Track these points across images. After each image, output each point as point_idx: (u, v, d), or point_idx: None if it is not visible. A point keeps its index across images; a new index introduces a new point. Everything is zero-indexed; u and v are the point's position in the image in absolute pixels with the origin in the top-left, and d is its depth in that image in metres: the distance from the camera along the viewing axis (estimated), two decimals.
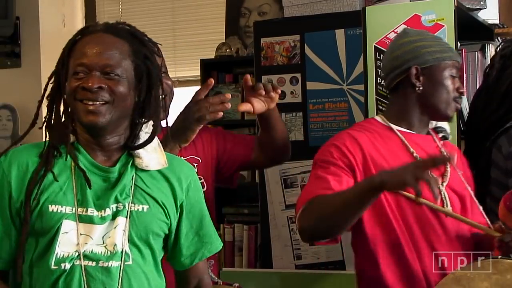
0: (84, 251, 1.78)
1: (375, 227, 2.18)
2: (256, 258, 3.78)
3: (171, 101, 2.49)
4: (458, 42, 2.82)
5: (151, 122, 1.91)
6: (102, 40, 1.84)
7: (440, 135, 2.38)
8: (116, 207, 1.83)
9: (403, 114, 2.28)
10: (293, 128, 3.41)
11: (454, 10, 2.80)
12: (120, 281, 1.80)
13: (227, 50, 4.42)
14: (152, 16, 5.21)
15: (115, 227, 1.81)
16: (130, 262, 1.83)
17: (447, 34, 2.79)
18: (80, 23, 5.29)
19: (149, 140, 1.90)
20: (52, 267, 1.76)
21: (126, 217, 1.83)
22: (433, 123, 2.40)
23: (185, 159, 2.39)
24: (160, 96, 1.93)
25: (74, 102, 1.80)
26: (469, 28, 2.82)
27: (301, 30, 3.45)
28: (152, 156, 1.92)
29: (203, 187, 2.37)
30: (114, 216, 1.82)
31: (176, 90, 5.09)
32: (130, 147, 1.89)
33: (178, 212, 1.95)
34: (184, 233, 1.97)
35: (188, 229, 1.98)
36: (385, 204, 2.15)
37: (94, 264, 1.79)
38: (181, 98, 5.13)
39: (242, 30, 4.61)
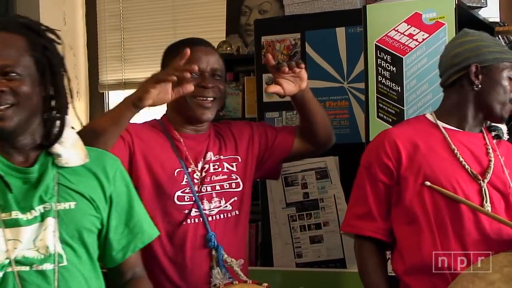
0: (15, 256, 1.70)
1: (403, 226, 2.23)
2: (257, 256, 3.78)
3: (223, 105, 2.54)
4: None
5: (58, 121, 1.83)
6: None
7: (493, 133, 2.37)
8: (44, 207, 1.76)
9: (456, 111, 2.28)
10: None
11: (455, 8, 2.81)
12: (56, 284, 1.73)
13: (228, 48, 4.42)
14: (153, 14, 5.22)
15: (45, 229, 1.74)
16: (65, 263, 1.76)
17: (448, 32, 2.80)
18: (81, 22, 5.29)
19: (58, 135, 1.82)
20: None
21: (54, 217, 1.76)
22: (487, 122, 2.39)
23: (225, 158, 2.47)
24: (66, 87, 1.86)
25: None
26: (470, 26, 2.81)
27: (301, 28, 3.45)
28: (71, 152, 1.85)
29: (238, 187, 2.46)
30: (43, 217, 1.75)
31: None
32: (44, 145, 1.82)
33: (108, 204, 1.88)
34: (114, 226, 1.90)
35: (117, 222, 1.91)
36: (417, 204, 2.18)
37: (27, 268, 1.71)
38: None
39: (243, 28, 4.60)
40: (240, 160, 2.50)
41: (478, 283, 1.93)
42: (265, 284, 2.27)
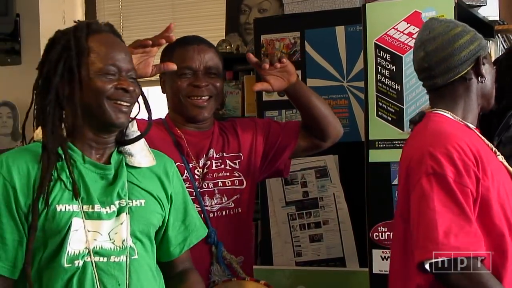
0: (94, 247, 1.80)
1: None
2: (257, 255, 3.78)
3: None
4: None
5: (134, 121, 1.99)
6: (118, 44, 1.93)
7: None
8: (119, 203, 1.86)
9: (470, 108, 2.13)
10: None
11: (454, 6, 2.80)
12: (128, 275, 1.83)
13: (227, 47, 4.42)
14: (152, 13, 5.22)
15: (121, 224, 1.84)
16: (135, 257, 1.86)
17: None
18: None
19: (140, 136, 1.96)
20: (66, 265, 1.76)
21: (127, 213, 1.86)
22: None
23: (228, 156, 2.48)
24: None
25: (107, 102, 1.84)
26: (469, 25, 2.82)
27: (301, 27, 3.45)
28: (142, 154, 1.97)
29: (241, 184, 2.47)
30: (119, 212, 1.85)
31: None
32: (121, 142, 1.94)
33: (169, 203, 2.00)
34: (172, 223, 2.02)
35: (174, 219, 2.02)
36: (498, 208, 1.98)
37: (105, 260, 1.81)
38: None
39: (242, 27, 4.61)
40: (243, 157, 2.51)
41: None
42: (263, 282, 2.29)
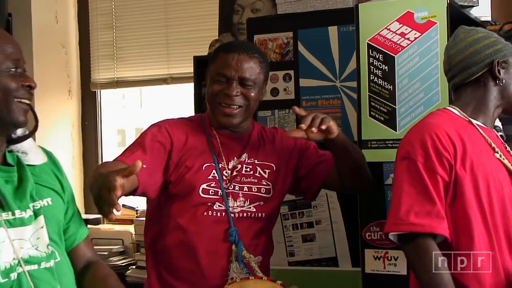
0: (23, 256, 1.73)
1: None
2: None
3: None
4: None
5: None
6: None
7: (499, 133, 2.41)
8: (33, 206, 1.79)
9: (482, 108, 2.30)
10: (286, 125, 3.41)
11: (447, 7, 2.82)
12: (58, 279, 1.78)
13: None
14: (145, 12, 5.21)
15: (41, 227, 1.78)
16: (58, 259, 1.81)
17: (440, 31, 2.81)
18: (72, 20, 5.28)
19: (31, 133, 1.90)
20: (2, 281, 1.69)
21: (42, 214, 1.79)
22: None
23: (259, 163, 2.53)
24: None
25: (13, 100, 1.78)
26: (461, 25, 2.84)
27: (294, 27, 3.46)
28: (34, 151, 1.90)
29: (267, 193, 2.52)
30: (36, 215, 1.78)
31: (169, 87, 5.12)
32: (11, 141, 1.85)
33: (65, 196, 1.95)
34: (69, 215, 1.96)
35: (70, 210, 1.97)
36: (476, 204, 2.15)
37: (36, 267, 1.75)
38: (175, 95, 5.16)
39: (236, 27, 4.61)
40: (274, 168, 2.56)
41: None
42: (279, 282, 2.36)
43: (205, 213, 2.42)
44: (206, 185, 2.43)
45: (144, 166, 2.09)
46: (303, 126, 2.30)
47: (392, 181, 2.79)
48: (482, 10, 3.37)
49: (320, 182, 2.61)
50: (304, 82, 3.43)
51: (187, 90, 4.53)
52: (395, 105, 2.87)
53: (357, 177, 2.58)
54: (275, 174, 2.55)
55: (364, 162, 2.62)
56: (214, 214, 2.43)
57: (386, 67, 2.88)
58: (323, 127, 2.31)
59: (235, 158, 2.52)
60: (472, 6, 3.24)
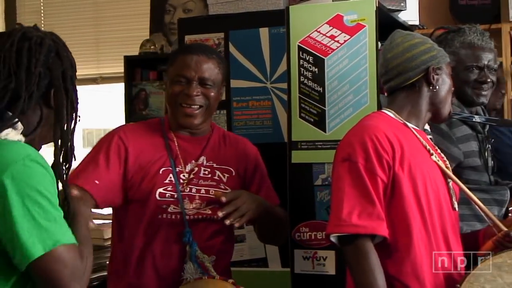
0: None
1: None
2: None
3: None
4: (379, 43, 2.87)
5: None
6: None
7: (429, 137, 2.46)
8: None
9: (416, 112, 2.36)
10: None
11: (375, 10, 2.85)
12: None
13: (152, 47, 4.41)
14: (74, 11, 5.16)
15: None
16: None
17: (369, 34, 2.85)
18: None
19: None
20: None
21: None
22: None
23: (218, 167, 2.56)
24: None
25: None
26: (390, 29, 2.88)
27: (225, 28, 3.46)
28: None
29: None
30: None
31: (99, 87, 5.05)
32: None
33: None
34: None
35: None
36: (411, 197, 2.20)
37: None
38: (104, 95, 5.10)
39: (167, 27, 4.60)
40: (233, 173, 2.59)
41: (507, 277, 2.06)
42: (231, 280, 2.39)
43: (160, 216, 2.44)
44: (163, 189, 2.45)
45: (97, 182, 2.31)
46: (220, 214, 2.37)
47: (321, 182, 2.85)
48: (410, 14, 3.44)
49: None
50: (235, 83, 3.43)
51: (118, 89, 4.48)
52: (325, 107, 2.89)
53: (273, 240, 2.78)
54: (234, 179, 2.59)
55: (283, 227, 2.73)
56: (169, 217, 2.45)
57: (316, 69, 2.90)
58: (237, 225, 2.48)
59: (193, 161, 2.54)
60: (400, 10, 3.30)
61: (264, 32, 3.38)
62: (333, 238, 2.21)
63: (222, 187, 2.55)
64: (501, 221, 2.27)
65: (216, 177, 2.55)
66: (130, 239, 2.49)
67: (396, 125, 2.30)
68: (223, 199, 2.38)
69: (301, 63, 2.92)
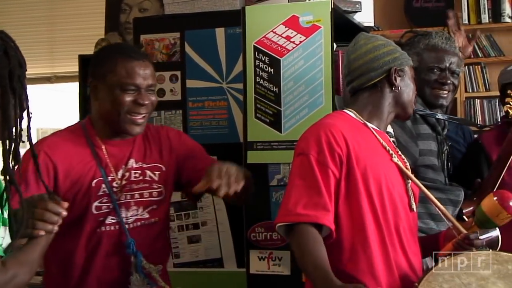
0: None
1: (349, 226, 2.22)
2: None
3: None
4: (334, 44, 2.89)
5: None
6: None
7: (391, 139, 2.47)
8: None
9: (377, 112, 2.36)
10: (172, 126, 3.39)
11: (331, 12, 2.87)
12: None
13: None
14: (29, 9, 5.10)
15: None
16: None
17: (324, 35, 2.86)
18: None
19: None
20: None
21: None
22: None
23: (147, 166, 2.46)
24: None
25: None
26: (345, 30, 2.90)
27: (181, 28, 3.44)
28: None
29: (159, 195, 2.46)
30: None
31: (53, 86, 4.99)
32: None
33: None
34: None
35: None
36: (366, 200, 2.21)
37: None
38: (59, 94, 5.05)
39: (123, 26, 4.56)
40: (163, 169, 2.49)
41: (465, 278, 2.07)
42: None
43: (99, 230, 2.36)
44: (98, 202, 2.36)
45: None
46: (215, 186, 2.20)
47: (276, 183, 2.87)
48: (365, 16, 3.46)
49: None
50: (191, 83, 3.42)
51: (72, 89, 4.43)
52: (281, 107, 2.90)
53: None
54: (165, 175, 2.50)
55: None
56: (109, 229, 2.37)
57: (272, 69, 2.91)
58: (236, 190, 2.24)
59: (123, 166, 2.43)
60: (356, 12, 3.32)
61: (220, 32, 3.37)
62: (280, 230, 2.20)
63: (155, 186, 2.46)
64: (460, 223, 2.30)
65: (147, 178, 2.45)
66: (69, 255, 2.37)
67: (355, 125, 2.32)
68: (208, 182, 2.21)
69: (257, 63, 2.93)
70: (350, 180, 2.20)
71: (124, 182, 2.41)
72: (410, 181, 2.33)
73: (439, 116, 2.85)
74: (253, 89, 2.94)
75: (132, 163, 2.44)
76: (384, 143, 2.32)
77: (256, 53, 2.93)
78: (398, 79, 2.35)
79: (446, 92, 2.88)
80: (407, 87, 2.38)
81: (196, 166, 2.51)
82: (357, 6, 3.28)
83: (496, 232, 2.40)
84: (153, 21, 3.67)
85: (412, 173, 2.37)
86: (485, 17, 5.12)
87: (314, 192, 2.17)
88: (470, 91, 5.23)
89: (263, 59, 2.93)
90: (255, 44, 2.94)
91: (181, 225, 3.37)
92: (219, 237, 3.31)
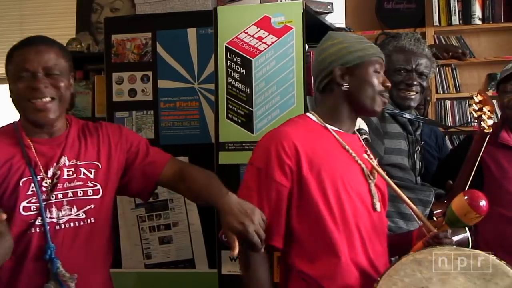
0: None
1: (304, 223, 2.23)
2: None
3: None
4: (306, 44, 2.90)
5: None
6: None
7: (363, 136, 2.45)
8: None
9: (334, 113, 2.35)
10: (144, 127, 3.39)
11: (303, 13, 2.88)
12: None
13: (78, 46, 4.34)
14: None
15: None
16: None
17: (296, 36, 2.87)
18: None
19: None
20: None
21: None
22: (357, 125, 2.47)
23: (82, 164, 2.34)
24: None
25: None
26: (317, 31, 2.91)
27: (153, 28, 3.44)
28: None
29: (96, 194, 2.34)
30: None
31: None
32: None
33: None
34: None
35: None
36: (322, 204, 2.20)
37: None
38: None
39: (94, 26, 4.54)
40: (100, 167, 2.39)
41: (426, 272, 2.05)
42: None
43: (29, 231, 2.24)
44: (27, 202, 2.24)
45: None
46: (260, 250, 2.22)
47: None
48: (337, 17, 3.47)
49: (152, 184, 2.47)
50: (162, 84, 3.42)
51: None
52: (252, 108, 2.90)
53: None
54: (103, 173, 2.38)
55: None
56: (38, 230, 2.25)
57: (244, 70, 2.91)
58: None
59: (55, 164, 2.32)
60: (327, 13, 3.33)
61: (192, 33, 3.37)
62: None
63: (91, 184, 2.34)
64: (431, 222, 2.31)
65: (82, 176, 2.33)
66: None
67: (315, 129, 2.32)
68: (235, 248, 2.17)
69: (228, 64, 2.92)
70: (303, 187, 2.21)
71: (55, 181, 2.30)
72: (373, 181, 2.32)
73: (407, 115, 2.86)
74: (225, 89, 2.93)
75: (64, 160, 2.33)
76: (345, 145, 2.31)
77: (228, 53, 2.93)
78: (347, 77, 2.32)
79: (413, 93, 2.88)
80: (361, 83, 2.34)
81: (142, 161, 2.45)
82: (329, 7, 3.29)
83: (466, 234, 2.43)
84: (125, 21, 3.64)
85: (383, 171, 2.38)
86: (455, 19, 5.16)
87: (256, 203, 2.21)
88: (441, 92, 5.26)
89: (235, 59, 2.92)
90: (227, 45, 2.93)
91: (152, 226, 3.36)
92: (190, 238, 3.30)
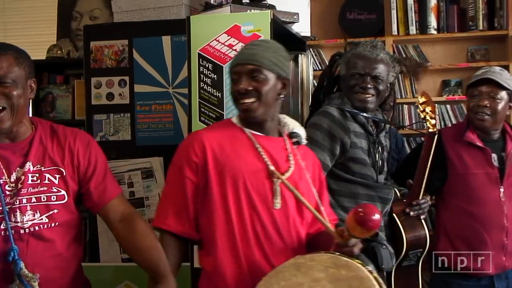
0: None
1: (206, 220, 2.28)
2: (85, 252, 3.70)
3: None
4: None
5: None
6: None
7: (294, 140, 2.43)
8: None
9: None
10: (121, 128, 3.37)
11: (270, 22, 2.87)
12: None
13: (58, 52, 4.31)
14: None
15: None
16: None
17: None
18: None
19: None
20: None
21: None
22: (290, 128, 2.45)
23: (47, 170, 2.24)
24: None
25: None
26: (284, 40, 2.91)
27: (129, 35, 3.43)
28: None
29: (61, 199, 2.25)
30: None
31: None
32: None
33: None
34: None
35: None
36: (220, 200, 2.24)
37: None
38: None
39: (74, 33, 4.51)
40: (65, 173, 2.28)
41: (301, 278, 2.00)
42: None
43: None
44: None
45: None
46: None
47: None
48: (303, 26, 3.48)
49: (99, 210, 2.37)
50: (138, 88, 3.40)
51: None
52: (223, 111, 2.89)
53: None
54: (67, 178, 2.28)
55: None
56: (2, 234, 2.16)
57: (215, 75, 2.90)
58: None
59: (18, 168, 2.22)
60: (294, 22, 3.33)
61: (166, 40, 3.36)
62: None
63: (55, 190, 2.24)
64: (339, 229, 2.21)
65: (46, 181, 2.23)
66: None
67: (231, 131, 2.34)
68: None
69: (201, 69, 2.91)
70: (207, 184, 2.26)
71: (20, 185, 2.20)
72: (279, 181, 2.28)
73: (363, 114, 2.86)
74: (198, 94, 2.92)
75: (29, 165, 2.23)
76: (258, 146, 2.30)
77: (200, 60, 2.92)
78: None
79: (368, 95, 2.85)
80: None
81: (95, 185, 2.34)
82: (295, 17, 3.30)
83: (424, 231, 2.43)
84: (103, 28, 3.62)
85: (327, 170, 2.50)
86: (412, 29, 5.19)
87: (171, 201, 2.31)
88: (399, 97, 5.29)
89: (207, 65, 2.91)
90: (199, 52, 2.92)
91: None
92: None
